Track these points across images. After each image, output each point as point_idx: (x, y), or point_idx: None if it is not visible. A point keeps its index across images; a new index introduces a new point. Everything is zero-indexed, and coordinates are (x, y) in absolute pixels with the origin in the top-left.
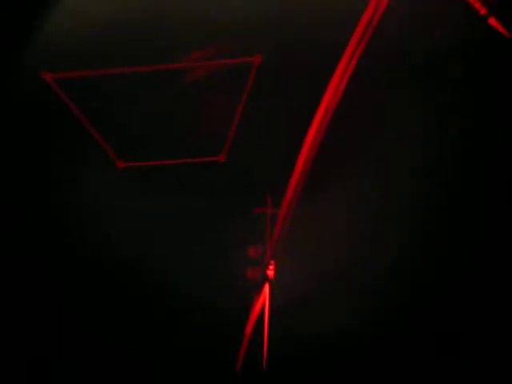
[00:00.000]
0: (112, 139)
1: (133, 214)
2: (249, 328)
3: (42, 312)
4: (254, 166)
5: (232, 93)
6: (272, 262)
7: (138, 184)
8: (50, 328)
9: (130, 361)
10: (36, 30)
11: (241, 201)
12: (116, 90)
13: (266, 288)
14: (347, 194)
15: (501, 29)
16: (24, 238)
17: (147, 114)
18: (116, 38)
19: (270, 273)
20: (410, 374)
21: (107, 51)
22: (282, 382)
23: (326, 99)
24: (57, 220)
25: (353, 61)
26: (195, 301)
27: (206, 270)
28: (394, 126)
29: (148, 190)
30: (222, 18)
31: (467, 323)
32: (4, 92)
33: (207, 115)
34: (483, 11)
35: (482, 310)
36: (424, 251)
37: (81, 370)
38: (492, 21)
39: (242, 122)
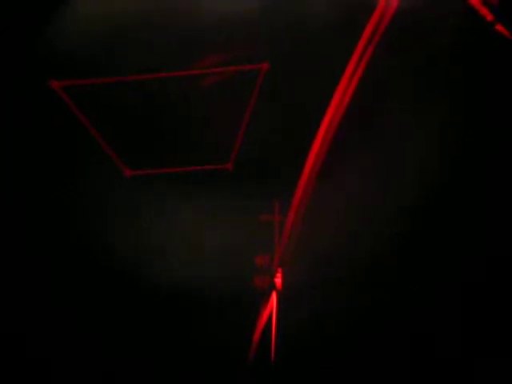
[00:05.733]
0: (119, 147)
1: (139, 221)
2: (256, 336)
3: (45, 317)
4: (262, 174)
5: (239, 100)
6: (279, 270)
7: (146, 192)
8: (54, 330)
9: (134, 363)
10: (43, 37)
11: (248, 208)
12: (123, 97)
13: (274, 296)
14: (355, 200)
15: (507, 35)
16: (29, 245)
17: (155, 121)
18: (124, 46)
19: (278, 281)
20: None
21: (115, 59)
22: None
23: (334, 105)
24: (62, 229)
25: (360, 67)
26: (202, 308)
27: (213, 278)
28: (402, 129)
29: (155, 197)
30: (228, 25)
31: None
32: (11, 100)
33: (215, 122)
34: (490, 17)
35: (483, 310)
36: (430, 253)
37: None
38: (499, 27)
39: (250, 129)
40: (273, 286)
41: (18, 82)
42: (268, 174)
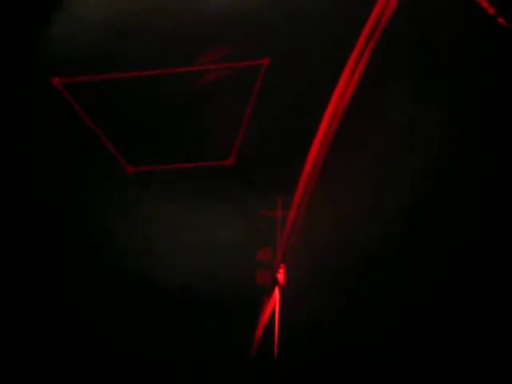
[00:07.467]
0: (121, 144)
1: (141, 217)
2: (258, 333)
3: (45, 316)
4: (264, 169)
5: (240, 96)
6: (282, 265)
7: (147, 188)
8: (53, 330)
9: (137, 360)
10: (44, 33)
11: (250, 204)
12: (125, 94)
13: (276, 292)
14: (358, 194)
15: (509, 27)
16: (30, 243)
17: (156, 117)
18: (125, 42)
19: (280, 276)
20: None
21: (116, 56)
22: None
23: (335, 100)
24: (64, 228)
25: (361, 63)
26: (204, 304)
27: (215, 274)
28: (403, 126)
29: (157, 194)
30: (229, 21)
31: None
32: (12, 97)
33: (216, 118)
34: (491, 10)
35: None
36: (432, 250)
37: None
38: (500, 19)
39: (251, 124)
40: (275, 282)
41: (18, 82)
42: (270, 169)
